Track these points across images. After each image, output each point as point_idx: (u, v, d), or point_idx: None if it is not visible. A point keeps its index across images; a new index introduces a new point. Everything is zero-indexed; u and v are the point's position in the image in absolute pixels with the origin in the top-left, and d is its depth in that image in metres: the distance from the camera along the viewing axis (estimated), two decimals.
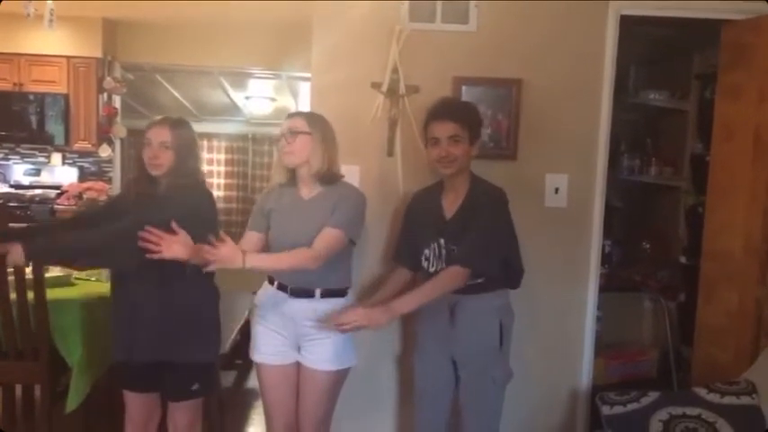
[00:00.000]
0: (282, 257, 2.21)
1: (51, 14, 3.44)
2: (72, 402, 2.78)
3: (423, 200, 2.49)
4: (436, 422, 2.46)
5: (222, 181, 8.27)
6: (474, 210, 2.33)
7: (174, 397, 2.42)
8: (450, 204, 2.41)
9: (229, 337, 3.59)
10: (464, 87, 2.72)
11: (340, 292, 2.35)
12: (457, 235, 2.32)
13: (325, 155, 2.30)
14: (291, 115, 2.38)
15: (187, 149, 2.37)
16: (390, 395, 2.88)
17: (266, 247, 2.38)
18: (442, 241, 2.36)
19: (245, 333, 4.08)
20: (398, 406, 2.88)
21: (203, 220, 2.29)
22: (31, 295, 2.69)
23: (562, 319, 2.87)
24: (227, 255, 2.04)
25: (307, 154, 2.29)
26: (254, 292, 2.47)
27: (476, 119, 2.42)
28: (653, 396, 2.48)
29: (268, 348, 2.37)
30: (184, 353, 2.35)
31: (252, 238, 2.39)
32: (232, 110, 7.89)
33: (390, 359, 2.86)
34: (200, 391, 2.43)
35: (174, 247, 2.07)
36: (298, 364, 2.37)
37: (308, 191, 2.35)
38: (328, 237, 2.22)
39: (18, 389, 3.42)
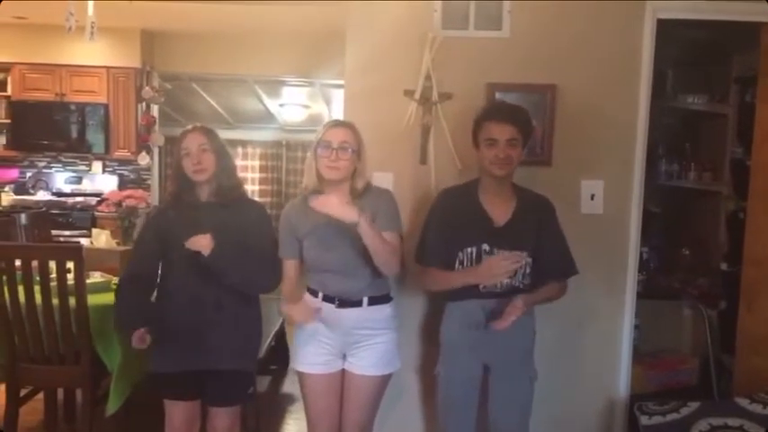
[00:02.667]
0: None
1: (93, 27, 3.52)
2: (112, 405, 2.82)
3: (458, 199, 2.42)
4: (468, 430, 2.44)
5: (256, 187, 8.37)
6: (532, 221, 2.32)
7: (229, 402, 2.46)
8: (497, 208, 2.38)
9: (265, 342, 3.62)
10: (498, 94, 2.70)
11: (385, 298, 2.38)
12: (511, 243, 2.31)
13: (367, 170, 2.34)
14: (336, 125, 2.33)
15: (223, 150, 2.45)
16: (413, 406, 2.85)
17: (301, 270, 2.41)
18: (485, 246, 2.33)
19: (280, 338, 4.14)
20: (424, 417, 2.85)
21: (269, 236, 2.42)
22: (72, 301, 2.76)
23: (599, 326, 2.84)
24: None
25: (351, 170, 2.29)
26: None
27: (530, 125, 2.43)
28: (693, 406, 2.44)
29: (315, 358, 2.35)
30: (235, 362, 2.41)
31: (291, 266, 2.39)
32: (266, 117, 7.98)
33: (411, 370, 2.80)
34: (254, 393, 2.52)
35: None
36: (342, 372, 2.38)
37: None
38: (396, 243, 2.30)
39: (60, 392, 3.51)
